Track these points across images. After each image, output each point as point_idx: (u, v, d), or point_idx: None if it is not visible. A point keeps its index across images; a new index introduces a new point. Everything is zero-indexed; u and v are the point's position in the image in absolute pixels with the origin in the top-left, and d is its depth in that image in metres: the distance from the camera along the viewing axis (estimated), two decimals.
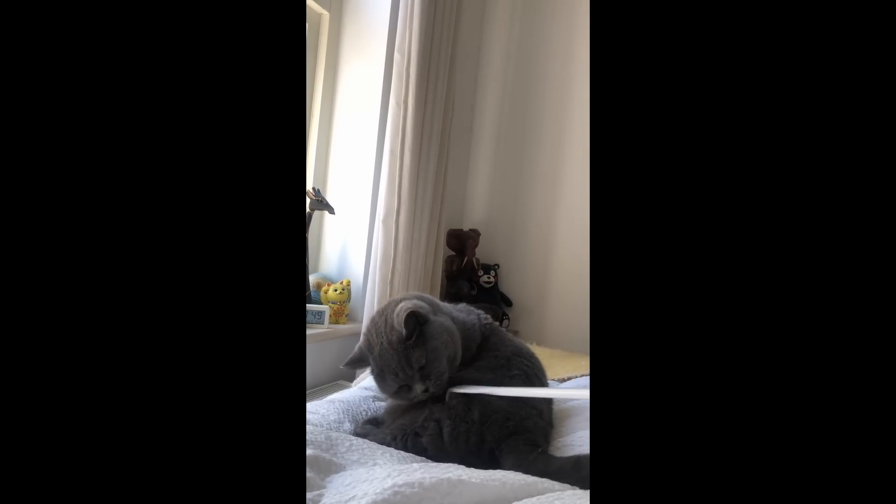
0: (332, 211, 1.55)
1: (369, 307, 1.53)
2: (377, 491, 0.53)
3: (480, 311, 0.97)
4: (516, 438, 0.72)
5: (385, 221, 1.54)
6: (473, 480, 0.57)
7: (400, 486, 0.54)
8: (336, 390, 1.33)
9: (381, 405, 0.99)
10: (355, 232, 1.66)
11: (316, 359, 1.47)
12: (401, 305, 0.79)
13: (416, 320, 0.78)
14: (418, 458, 0.72)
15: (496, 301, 2.03)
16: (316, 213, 1.54)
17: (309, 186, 1.61)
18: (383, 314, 0.83)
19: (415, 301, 0.82)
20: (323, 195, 1.55)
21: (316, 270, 1.68)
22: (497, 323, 0.98)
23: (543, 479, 0.60)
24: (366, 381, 1.17)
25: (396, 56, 1.54)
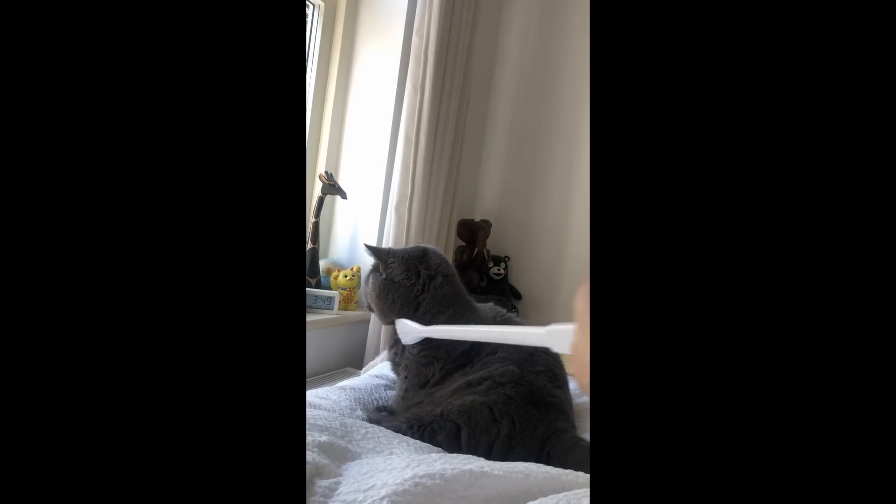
0: (344, 196, 1.53)
1: None
2: (397, 482, 0.51)
3: (500, 309, 0.98)
4: (560, 434, 0.71)
5: (398, 208, 1.52)
6: (496, 472, 0.55)
7: (421, 477, 0.52)
8: (344, 377, 1.31)
9: (393, 393, 0.97)
10: (367, 218, 1.63)
11: (325, 345, 1.45)
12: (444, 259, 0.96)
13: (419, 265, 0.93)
14: (435, 447, 0.71)
15: (505, 293, 2.01)
16: (328, 197, 1.52)
17: (322, 170, 1.58)
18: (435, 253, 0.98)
19: (451, 277, 0.96)
20: (335, 179, 1.53)
21: (326, 256, 1.66)
22: (512, 314, 0.97)
23: (568, 472, 0.58)
24: (375, 370, 1.15)
25: (414, 39, 1.51)
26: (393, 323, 0.95)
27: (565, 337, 0.45)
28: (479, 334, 0.82)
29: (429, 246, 0.99)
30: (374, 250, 0.96)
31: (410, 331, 0.88)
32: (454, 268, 0.98)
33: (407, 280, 0.92)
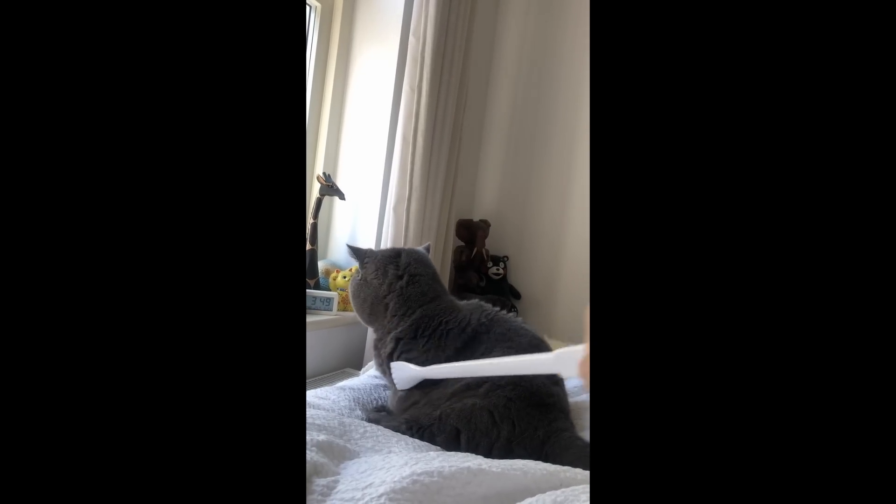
0: (342, 197, 1.53)
1: None
2: (395, 479, 0.52)
3: (487, 307, 0.93)
4: (559, 434, 0.71)
5: (396, 209, 1.52)
6: (494, 469, 0.55)
7: (418, 474, 0.52)
8: (343, 377, 1.31)
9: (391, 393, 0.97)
10: (365, 218, 1.63)
11: (324, 346, 1.45)
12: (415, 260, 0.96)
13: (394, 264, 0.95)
14: (433, 446, 0.71)
15: (504, 293, 2.01)
16: (326, 198, 1.52)
17: (319, 171, 1.59)
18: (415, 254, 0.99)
19: (424, 274, 0.96)
20: (333, 180, 1.53)
21: (325, 257, 1.66)
22: (506, 312, 0.94)
23: (566, 468, 0.58)
24: (374, 370, 1.15)
25: (411, 40, 1.51)
26: (371, 323, 0.97)
27: (574, 358, 0.44)
28: (483, 369, 0.75)
29: (409, 248, 1.00)
30: (353, 251, 0.99)
31: (406, 375, 0.84)
32: (431, 269, 0.97)
33: (376, 280, 0.94)
